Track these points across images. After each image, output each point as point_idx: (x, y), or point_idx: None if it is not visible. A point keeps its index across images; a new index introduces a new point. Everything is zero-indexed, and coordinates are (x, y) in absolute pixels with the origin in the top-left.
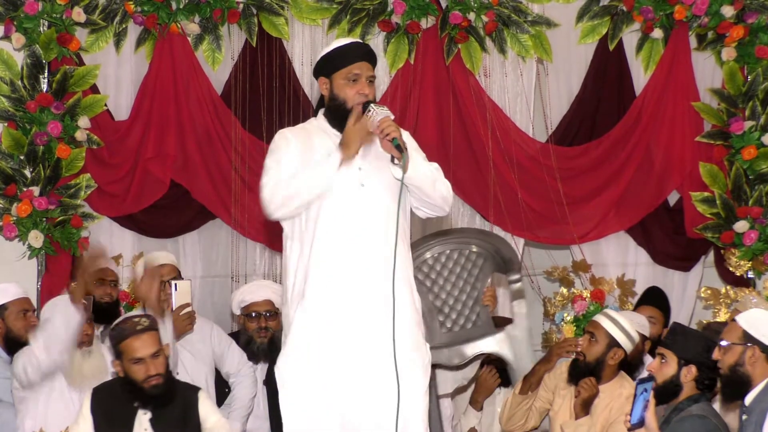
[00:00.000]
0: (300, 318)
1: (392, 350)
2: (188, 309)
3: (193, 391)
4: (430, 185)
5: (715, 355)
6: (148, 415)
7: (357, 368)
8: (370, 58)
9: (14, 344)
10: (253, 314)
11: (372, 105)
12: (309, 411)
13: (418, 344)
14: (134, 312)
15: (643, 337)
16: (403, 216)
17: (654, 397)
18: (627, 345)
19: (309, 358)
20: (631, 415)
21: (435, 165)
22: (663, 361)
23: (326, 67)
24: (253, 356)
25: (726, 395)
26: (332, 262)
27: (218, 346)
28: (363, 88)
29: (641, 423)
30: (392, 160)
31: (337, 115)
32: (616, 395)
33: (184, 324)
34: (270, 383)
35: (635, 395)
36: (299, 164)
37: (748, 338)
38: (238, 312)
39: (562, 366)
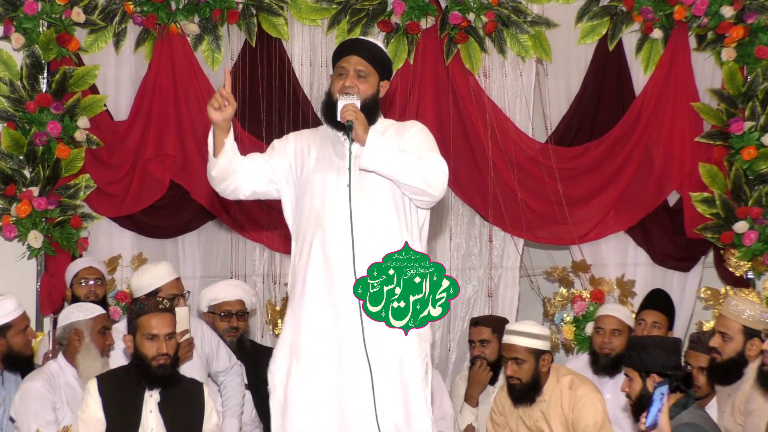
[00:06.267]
0: (288, 315)
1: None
2: (187, 336)
3: (198, 384)
4: (399, 172)
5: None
6: (156, 397)
7: (341, 365)
8: (360, 50)
9: (15, 361)
10: (224, 313)
11: (339, 95)
12: (297, 413)
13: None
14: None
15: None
16: (375, 204)
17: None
18: (547, 345)
19: (294, 356)
20: (646, 417)
21: (431, 156)
22: (630, 379)
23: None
24: None
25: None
26: (312, 258)
27: (208, 345)
28: (347, 80)
29: (655, 425)
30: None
31: (327, 108)
32: (557, 390)
33: (184, 351)
34: (252, 386)
35: (652, 399)
36: (284, 156)
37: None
38: (205, 310)
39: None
